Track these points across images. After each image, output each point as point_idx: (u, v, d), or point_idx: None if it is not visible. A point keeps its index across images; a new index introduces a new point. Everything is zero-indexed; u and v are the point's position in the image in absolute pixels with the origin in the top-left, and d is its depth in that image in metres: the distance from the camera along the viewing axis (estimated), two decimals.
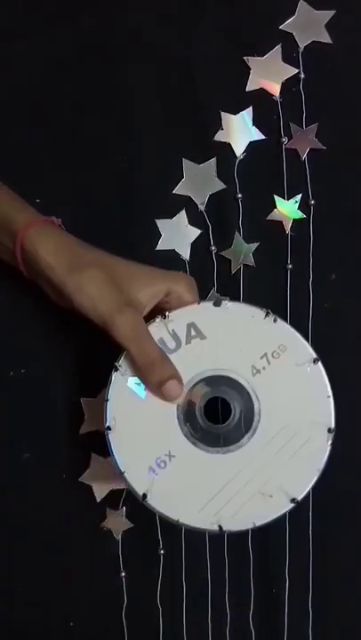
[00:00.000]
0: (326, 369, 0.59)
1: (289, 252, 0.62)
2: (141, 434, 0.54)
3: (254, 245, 0.62)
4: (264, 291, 0.62)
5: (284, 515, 0.53)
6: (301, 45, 0.63)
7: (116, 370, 0.54)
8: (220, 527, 0.53)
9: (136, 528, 0.62)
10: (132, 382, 0.54)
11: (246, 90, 0.63)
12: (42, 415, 0.62)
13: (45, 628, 0.63)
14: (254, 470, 0.53)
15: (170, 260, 0.62)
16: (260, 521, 0.53)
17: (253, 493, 0.53)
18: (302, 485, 0.53)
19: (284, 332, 0.55)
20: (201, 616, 0.62)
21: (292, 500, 0.53)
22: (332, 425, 0.54)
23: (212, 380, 0.54)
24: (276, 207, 0.63)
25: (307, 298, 0.62)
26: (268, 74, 0.63)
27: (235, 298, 0.62)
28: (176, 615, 0.61)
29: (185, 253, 0.63)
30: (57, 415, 0.62)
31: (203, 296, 0.62)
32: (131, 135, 0.63)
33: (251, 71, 0.63)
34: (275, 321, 0.55)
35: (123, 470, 0.53)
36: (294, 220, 0.62)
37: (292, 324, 0.61)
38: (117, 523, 0.62)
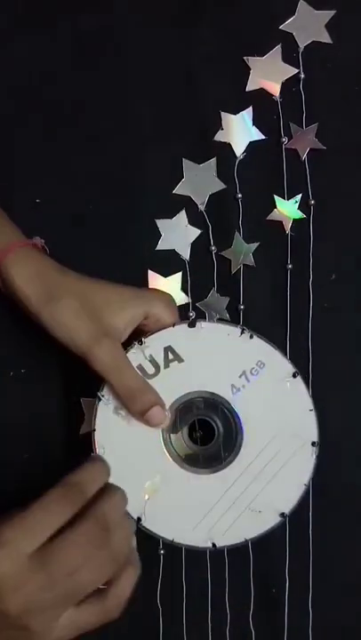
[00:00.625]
0: (326, 369, 0.59)
1: (289, 252, 0.62)
2: (130, 459, 0.54)
3: (254, 245, 0.62)
4: (264, 291, 0.62)
5: (275, 528, 0.54)
6: (301, 45, 0.63)
7: (100, 399, 0.54)
8: (214, 544, 0.54)
9: (136, 528, 0.62)
10: (117, 410, 0.54)
11: (246, 90, 0.63)
12: (42, 415, 0.62)
13: None
14: (242, 488, 0.54)
15: (170, 260, 0.62)
16: (252, 535, 0.54)
17: (243, 510, 0.54)
18: (290, 500, 0.54)
19: (261, 348, 0.55)
20: (201, 616, 0.62)
21: (281, 515, 0.54)
22: (316, 438, 0.54)
23: (194, 403, 0.55)
24: (276, 207, 0.63)
25: (307, 298, 0.62)
26: (268, 74, 0.63)
27: (235, 298, 0.62)
28: (176, 615, 0.61)
29: (185, 253, 0.63)
30: (57, 415, 0.62)
31: (204, 296, 0.62)
32: (131, 135, 0.63)
33: (251, 71, 0.63)
34: (251, 337, 0.55)
35: None
36: (294, 220, 0.62)
37: (292, 324, 0.61)
38: None
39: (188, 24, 0.63)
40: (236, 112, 0.63)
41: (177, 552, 0.61)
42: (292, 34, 0.63)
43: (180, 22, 0.63)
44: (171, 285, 0.62)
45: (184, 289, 0.62)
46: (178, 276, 0.62)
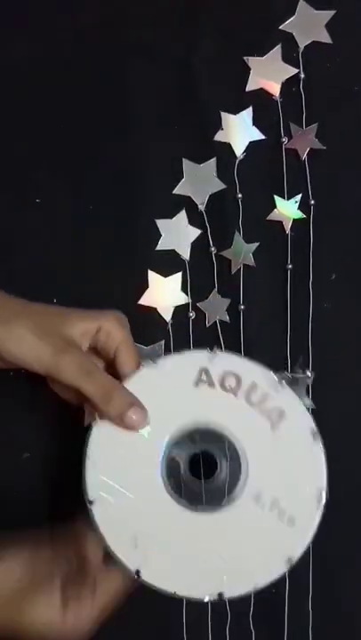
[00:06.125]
0: (326, 369, 0.59)
1: (289, 252, 0.62)
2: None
3: (254, 245, 0.62)
4: (264, 291, 0.62)
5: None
6: (301, 45, 0.63)
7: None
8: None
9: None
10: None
11: (246, 90, 0.63)
12: (42, 415, 0.62)
13: None
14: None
15: (170, 261, 0.62)
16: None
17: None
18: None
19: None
20: (201, 616, 0.61)
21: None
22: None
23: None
24: (276, 207, 0.63)
25: (307, 298, 0.62)
26: (268, 74, 0.63)
27: (235, 298, 0.62)
28: (176, 615, 0.61)
29: (185, 253, 0.63)
30: (57, 415, 0.62)
31: (203, 296, 0.62)
32: (131, 135, 0.63)
33: (251, 71, 0.63)
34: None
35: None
36: (294, 220, 0.62)
37: (292, 324, 0.61)
38: None
39: (189, 24, 0.63)
40: (236, 112, 0.63)
41: None
42: (292, 34, 0.63)
43: (180, 22, 0.63)
44: (170, 285, 0.62)
45: (184, 289, 0.62)
46: (178, 276, 0.62)
